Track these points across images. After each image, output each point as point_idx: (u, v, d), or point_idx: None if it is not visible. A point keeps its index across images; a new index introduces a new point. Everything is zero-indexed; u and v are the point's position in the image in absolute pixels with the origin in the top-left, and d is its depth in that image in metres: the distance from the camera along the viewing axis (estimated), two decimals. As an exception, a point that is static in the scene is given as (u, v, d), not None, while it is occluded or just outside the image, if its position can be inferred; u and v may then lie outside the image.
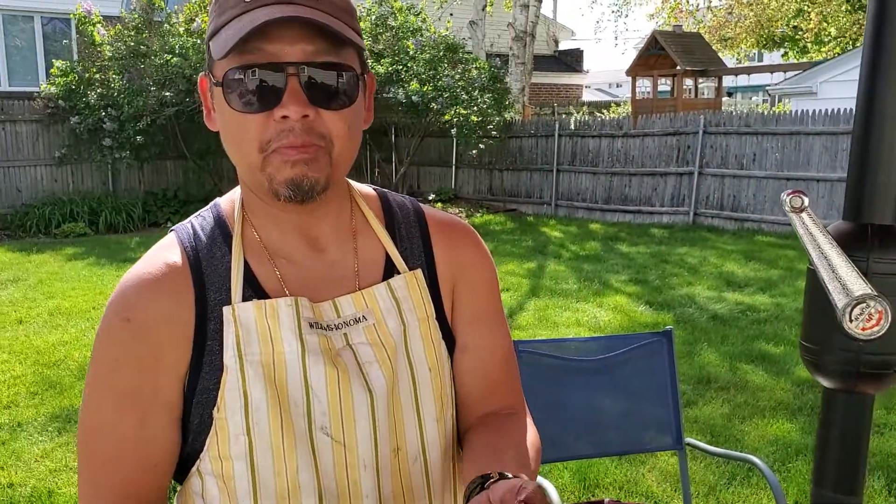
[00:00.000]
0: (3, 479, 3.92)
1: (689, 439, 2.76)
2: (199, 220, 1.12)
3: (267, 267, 1.07)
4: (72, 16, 13.38)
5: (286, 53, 0.94)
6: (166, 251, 1.07)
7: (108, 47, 12.69)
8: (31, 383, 5.24)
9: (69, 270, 9.03)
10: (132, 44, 12.45)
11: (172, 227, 1.12)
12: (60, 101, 12.53)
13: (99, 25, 12.87)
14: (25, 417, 4.67)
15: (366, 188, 1.19)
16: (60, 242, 11.24)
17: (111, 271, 8.92)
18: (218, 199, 1.15)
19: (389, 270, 1.13)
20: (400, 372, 1.09)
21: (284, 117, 0.94)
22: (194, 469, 1.04)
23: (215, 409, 1.01)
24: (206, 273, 1.05)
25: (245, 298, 1.04)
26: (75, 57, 14.49)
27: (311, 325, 1.04)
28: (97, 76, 12.64)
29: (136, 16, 12.82)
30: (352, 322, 1.07)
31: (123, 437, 1.01)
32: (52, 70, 12.97)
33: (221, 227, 1.09)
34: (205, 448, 1.02)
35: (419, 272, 1.13)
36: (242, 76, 0.95)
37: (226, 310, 1.03)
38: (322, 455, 1.03)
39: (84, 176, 13.11)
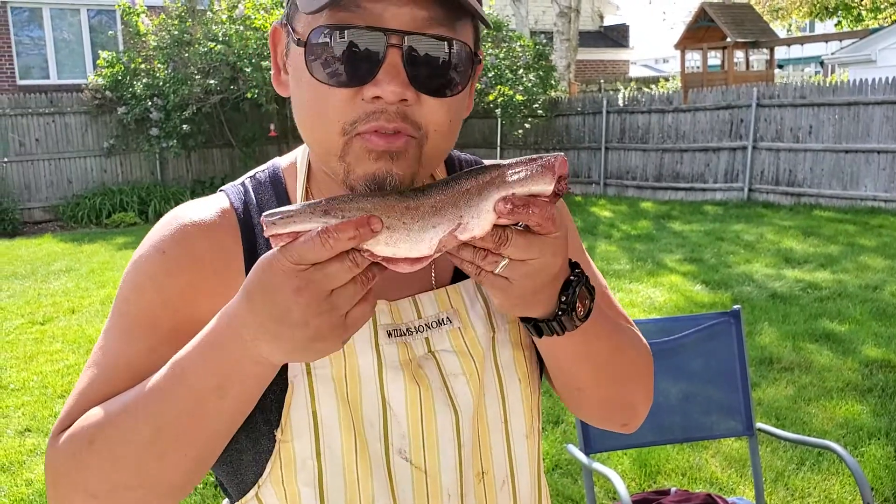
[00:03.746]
0: (58, 469, 3.93)
1: (760, 424, 2.62)
2: (254, 184, 0.94)
3: None
4: (116, 7, 13.51)
5: (390, 17, 0.75)
6: (216, 205, 0.91)
7: (153, 37, 12.81)
8: (84, 372, 5.27)
9: (120, 260, 9.11)
10: (176, 32, 12.53)
11: (222, 188, 0.95)
12: (108, 92, 12.67)
13: (143, 15, 12.99)
14: (78, 406, 4.68)
15: None
16: (111, 232, 11.38)
17: (161, 259, 8.97)
18: (277, 160, 0.98)
19: None
20: (487, 385, 0.93)
21: (377, 98, 0.76)
22: (252, 494, 0.91)
23: (278, 430, 0.87)
24: (260, 253, 0.88)
25: None
26: (121, 48, 14.65)
27: (389, 334, 0.89)
28: (142, 66, 12.75)
29: (180, 4, 12.89)
30: (434, 324, 0.91)
31: (127, 359, 0.86)
32: (98, 61, 13.12)
33: (279, 195, 0.92)
34: (265, 472, 0.89)
35: None
36: (329, 38, 0.76)
37: None
38: (400, 483, 0.89)
39: (132, 166, 13.25)
